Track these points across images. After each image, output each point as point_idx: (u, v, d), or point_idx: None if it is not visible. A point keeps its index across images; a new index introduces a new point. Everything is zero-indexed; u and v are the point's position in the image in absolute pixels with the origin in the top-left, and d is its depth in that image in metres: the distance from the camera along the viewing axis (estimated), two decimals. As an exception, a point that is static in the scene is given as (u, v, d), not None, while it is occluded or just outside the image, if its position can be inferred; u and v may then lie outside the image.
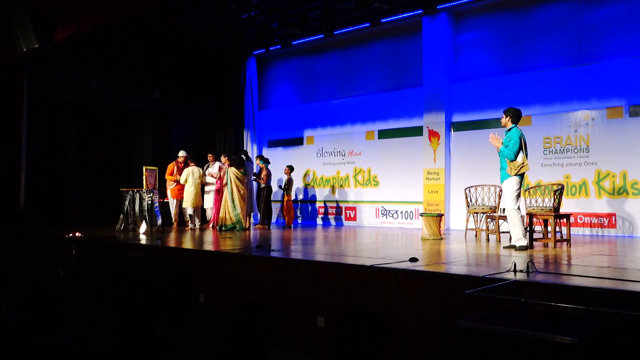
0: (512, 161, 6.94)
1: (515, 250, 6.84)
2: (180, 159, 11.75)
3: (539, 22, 10.48)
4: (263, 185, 11.78)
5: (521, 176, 7.04)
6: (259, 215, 12.27)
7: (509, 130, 7.13)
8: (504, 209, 8.44)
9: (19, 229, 10.86)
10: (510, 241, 7.41)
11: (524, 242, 6.90)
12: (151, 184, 10.44)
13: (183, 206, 11.49)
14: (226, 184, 10.63)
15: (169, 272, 7.14)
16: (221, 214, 10.67)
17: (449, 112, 11.36)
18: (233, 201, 10.55)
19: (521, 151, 6.95)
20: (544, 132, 10.14)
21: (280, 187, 12.64)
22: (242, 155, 11.36)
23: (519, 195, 7.03)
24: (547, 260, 5.98)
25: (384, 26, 12.23)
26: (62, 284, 8.52)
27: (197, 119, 14.97)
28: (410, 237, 9.40)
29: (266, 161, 12.13)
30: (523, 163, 6.93)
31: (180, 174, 11.55)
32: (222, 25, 12.47)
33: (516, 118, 7.15)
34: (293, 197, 12.93)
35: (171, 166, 11.71)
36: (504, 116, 7.21)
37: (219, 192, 11.05)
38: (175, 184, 11.62)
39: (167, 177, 11.64)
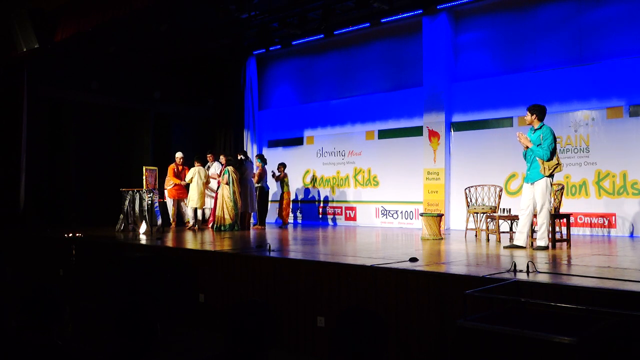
0: (547, 161, 6.72)
1: (534, 249, 6.81)
2: (178, 160, 11.75)
3: (539, 22, 10.48)
4: (257, 185, 11.71)
5: (552, 176, 6.84)
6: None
7: (539, 128, 6.89)
8: (503, 209, 8.45)
9: (19, 229, 10.86)
10: (510, 241, 7.41)
11: (546, 242, 6.86)
12: (151, 184, 10.44)
13: (189, 206, 11.47)
14: (227, 183, 10.62)
15: (169, 272, 7.14)
16: (218, 214, 10.65)
17: (449, 112, 11.36)
18: (234, 199, 10.55)
19: (555, 151, 6.78)
20: (544, 132, 10.12)
21: (272, 175, 12.38)
22: (241, 155, 11.35)
23: (549, 195, 6.94)
24: (547, 260, 5.98)
25: (384, 26, 12.24)
26: (62, 284, 8.52)
27: (197, 119, 14.97)
28: (410, 237, 9.39)
29: (263, 160, 12.12)
30: (558, 163, 6.74)
31: (178, 175, 11.58)
32: (222, 25, 12.48)
33: (542, 115, 6.93)
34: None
35: (173, 167, 11.71)
36: (529, 114, 6.97)
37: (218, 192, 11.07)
38: (173, 185, 11.62)
39: (172, 179, 11.60)
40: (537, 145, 6.82)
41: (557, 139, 9.85)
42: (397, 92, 12.32)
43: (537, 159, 6.80)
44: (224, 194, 10.60)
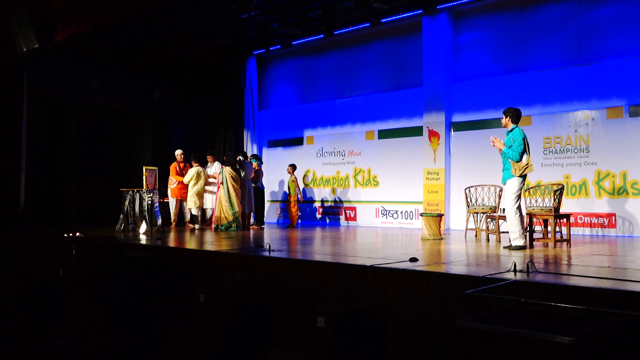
0: (516, 162, 6.90)
1: (511, 249, 6.83)
2: (179, 157, 11.75)
3: (539, 22, 10.47)
4: (253, 185, 11.68)
5: (524, 177, 7.01)
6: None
7: (511, 130, 7.10)
8: (503, 209, 8.44)
9: (19, 229, 10.86)
10: (510, 241, 7.41)
11: (521, 242, 6.89)
12: (151, 184, 10.44)
13: (187, 206, 11.47)
14: (222, 183, 10.64)
15: (169, 272, 7.14)
16: (217, 214, 10.66)
17: (449, 112, 11.35)
18: (229, 200, 10.54)
19: (525, 152, 6.93)
20: (544, 132, 10.13)
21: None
22: (240, 156, 11.35)
23: (519, 196, 7.01)
24: (547, 260, 5.98)
25: (384, 26, 12.23)
26: (62, 284, 8.51)
27: (197, 119, 14.97)
28: (410, 237, 9.39)
29: (259, 160, 12.10)
30: (528, 164, 6.90)
31: (180, 173, 11.57)
32: (222, 25, 12.47)
33: (516, 118, 7.14)
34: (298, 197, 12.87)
35: (175, 165, 11.71)
36: (504, 117, 7.20)
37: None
38: (177, 183, 11.62)
39: (175, 177, 11.62)
40: (509, 147, 6.99)
41: (557, 139, 9.99)
42: (397, 92, 12.31)
43: (509, 160, 6.96)
44: (220, 194, 10.63)
